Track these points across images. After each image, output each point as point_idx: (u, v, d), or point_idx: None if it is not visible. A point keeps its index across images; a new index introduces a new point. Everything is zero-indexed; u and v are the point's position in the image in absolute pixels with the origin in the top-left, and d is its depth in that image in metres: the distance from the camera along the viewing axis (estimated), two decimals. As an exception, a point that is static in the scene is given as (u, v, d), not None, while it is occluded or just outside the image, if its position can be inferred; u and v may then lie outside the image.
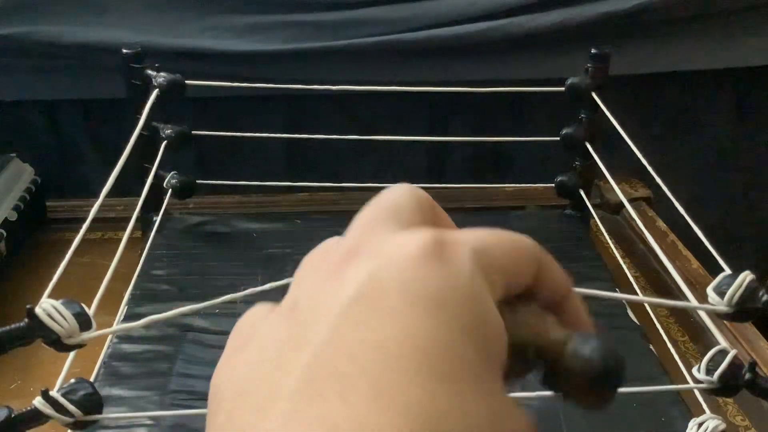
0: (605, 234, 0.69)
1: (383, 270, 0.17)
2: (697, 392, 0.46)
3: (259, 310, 0.20)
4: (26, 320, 0.35)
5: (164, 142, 0.67)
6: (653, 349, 0.57)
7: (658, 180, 0.53)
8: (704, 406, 0.45)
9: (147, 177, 0.64)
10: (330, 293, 0.17)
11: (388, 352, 0.15)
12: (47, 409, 0.37)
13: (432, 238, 0.18)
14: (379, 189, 0.21)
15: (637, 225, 0.62)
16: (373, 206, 0.20)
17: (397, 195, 0.20)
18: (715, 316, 0.38)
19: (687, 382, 0.48)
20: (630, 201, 0.68)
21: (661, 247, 0.53)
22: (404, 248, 0.17)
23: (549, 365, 0.20)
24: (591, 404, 0.20)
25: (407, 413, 0.15)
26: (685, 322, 0.64)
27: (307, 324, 0.17)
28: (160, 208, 0.68)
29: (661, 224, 0.78)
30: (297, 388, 0.15)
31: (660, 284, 0.69)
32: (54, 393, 0.37)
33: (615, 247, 0.68)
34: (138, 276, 0.62)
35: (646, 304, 0.60)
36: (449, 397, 0.15)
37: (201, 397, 0.51)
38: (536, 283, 0.20)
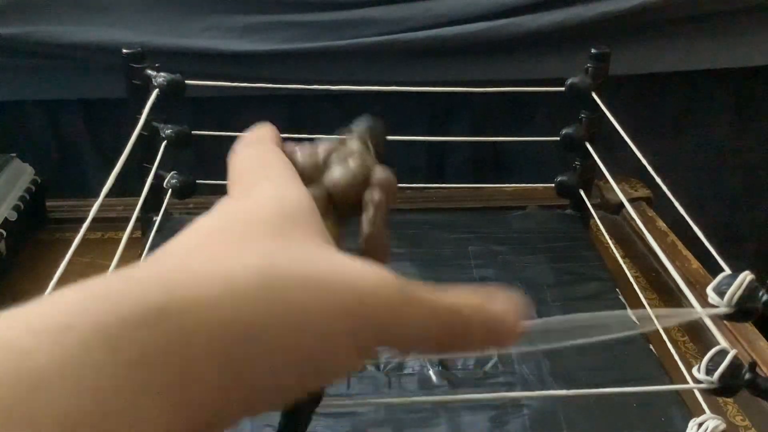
0: (605, 234, 0.69)
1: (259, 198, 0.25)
2: (697, 392, 0.46)
3: None
4: (26, 320, 0.35)
5: (164, 142, 0.67)
6: (653, 349, 0.57)
7: (658, 180, 0.53)
8: (704, 406, 0.45)
9: (147, 177, 0.64)
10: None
11: (251, 222, 0.23)
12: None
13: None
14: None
15: (637, 225, 0.62)
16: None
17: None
18: (715, 316, 0.38)
19: (687, 382, 0.48)
20: (630, 201, 0.68)
21: (661, 247, 0.53)
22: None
23: None
24: None
25: (259, 254, 0.21)
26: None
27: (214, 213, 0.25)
28: (160, 208, 0.68)
29: (661, 224, 0.78)
30: (197, 242, 0.22)
31: (660, 284, 0.69)
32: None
33: (615, 247, 0.68)
34: (138, 276, 0.61)
35: (645, 304, 0.60)
36: (286, 247, 0.22)
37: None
38: None
